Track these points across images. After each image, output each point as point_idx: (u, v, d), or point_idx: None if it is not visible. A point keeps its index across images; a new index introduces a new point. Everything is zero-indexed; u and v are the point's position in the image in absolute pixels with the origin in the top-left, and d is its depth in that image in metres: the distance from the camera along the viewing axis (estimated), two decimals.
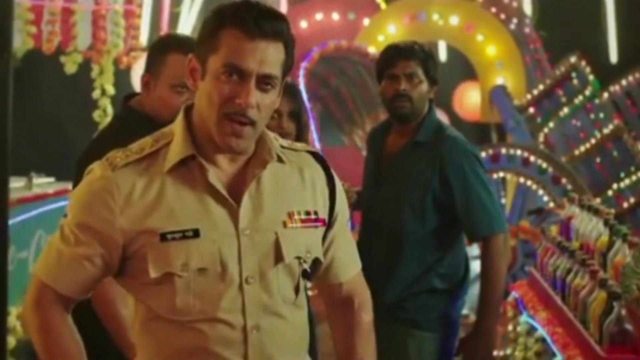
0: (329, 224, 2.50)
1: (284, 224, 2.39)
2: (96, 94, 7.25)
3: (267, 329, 2.36)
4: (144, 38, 9.50)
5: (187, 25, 12.97)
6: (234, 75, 2.29)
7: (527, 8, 12.89)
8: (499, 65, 11.19)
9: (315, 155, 2.52)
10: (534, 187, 8.48)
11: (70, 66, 6.94)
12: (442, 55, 13.12)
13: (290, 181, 2.44)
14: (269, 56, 2.30)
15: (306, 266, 2.43)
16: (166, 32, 12.07)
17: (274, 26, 2.31)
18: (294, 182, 2.45)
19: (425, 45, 4.32)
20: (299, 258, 2.41)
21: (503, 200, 8.94)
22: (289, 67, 2.38)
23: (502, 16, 11.65)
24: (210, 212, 2.33)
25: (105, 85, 7.21)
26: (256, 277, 2.35)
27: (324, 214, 2.48)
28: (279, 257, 2.37)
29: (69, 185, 6.19)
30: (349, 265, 2.60)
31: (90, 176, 2.40)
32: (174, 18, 12.86)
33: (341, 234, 2.56)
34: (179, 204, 2.32)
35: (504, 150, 8.47)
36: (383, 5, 12.13)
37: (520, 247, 8.15)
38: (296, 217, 2.41)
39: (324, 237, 2.51)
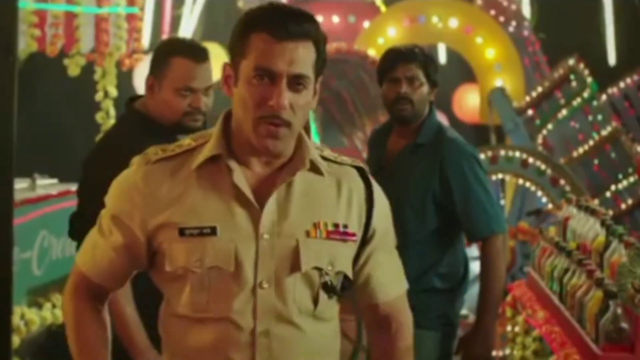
0: (363, 240, 2.46)
1: (307, 233, 2.36)
2: (99, 96, 7.28)
3: (279, 336, 2.34)
4: (146, 41, 9.53)
5: (189, 27, 13.02)
6: (265, 78, 2.28)
7: (526, 11, 12.92)
8: (497, 67, 11.21)
9: (360, 170, 2.49)
10: (533, 188, 8.51)
11: (73, 69, 6.97)
12: (442, 57, 13.14)
13: (324, 192, 2.41)
14: (298, 56, 2.29)
15: (328, 279, 2.38)
16: (169, 35, 12.13)
17: (301, 26, 2.30)
18: (328, 193, 2.42)
19: (426, 48, 4.36)
20: (319, 269, 2.37)
21: (502, 202, 8.98)
22: (321, 66, 2.37)
23: (501, 19, 11.68)
24: (232, 212, 2.33)
25: (108, 87, 7.23)
26: (271, 282, 2.33)
27: (356, 229, 2.43)
28: (296, 266, 2.34)
29: (72, 187, 6.23)
30: (388, 286, 2.53)
31: (128, 169, 2.45)
32: (176, 21, 12.91)
33: (380, 253, 2.50)
34: (202, 201, 2.33)
35: (502, 152, 8.50)
36: (383, 8, 12.16)
37: (519, 247, 8.18)
38: (322, 228, 2.38)
39: (359, 254, 2.46)
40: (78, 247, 3.73)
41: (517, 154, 8.49)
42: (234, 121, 2.38)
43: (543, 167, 8.42)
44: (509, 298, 5.64)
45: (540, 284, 4.94)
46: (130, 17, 7.29)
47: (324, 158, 2.45)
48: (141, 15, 7.59)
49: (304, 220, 2.36)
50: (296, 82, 2.30)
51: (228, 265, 2.31)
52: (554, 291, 4.61)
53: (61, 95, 10.50)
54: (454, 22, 11.25)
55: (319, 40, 2.34)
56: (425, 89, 4.21)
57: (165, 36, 12.34)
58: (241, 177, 2.34)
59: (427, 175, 4.12)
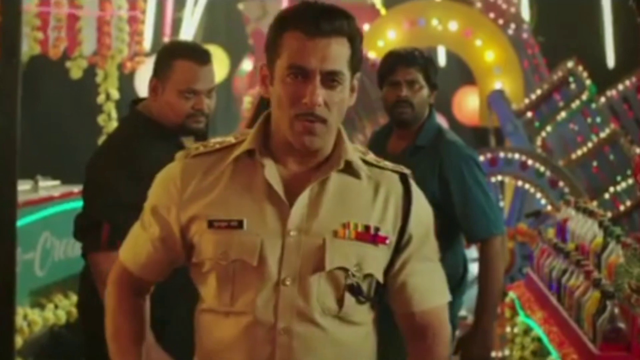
0: (398, 246, 2.42)
1: (335, 233, 2.33)
2: (101, 98, 7.29)
3: (300, 335, 2.32)
4: (147, 43, 9.55)
5: (189, 30, 13.05)
6: (298, 76, 2.29)
7: (525, 14, 12.92)
8: (497, 70, 11.22)
9: (402, 175, 2.46)
10: (532, 190, 8.53)
11: (76, 71, 6.99)
12: (441, 60, 13.15)
13: (359, 194, 2.39)
14: (330, 53, 2.29)
15: (354, 281, 2.35)
16: (170, 38, 12.17)
17: (333, 23, 2.29)
18: (363, 196, 2.39)
19: (425, 51, 4.39)
20: (345, 270, 2.34)
21: (501, 203, 8.99)
22: (357, 62, 2.36)
23: (501, 22, 11.68)
24: (261, 207, 2.33)
25: (109, 89, 7.25)
26: (295, 280, 2.31)
27: (390, 234, 2.39)
28: (320, 264, 2.32)
29: (75, 188, 6.26)
30: (424, 295, 2.45)
31: (171, 163, 2.49)
32: (176, 23, 12.94)
33: (417, 261, 2.44)
34: (232, 195, 2.35)
35: (502, 154, 8.51)
36: (383, 11, 12.17)
37: (518, 249, 8.19)
38: (351, 228, 2.35)
39: (394, 260, 2.42)
40: (82, 248, 3.78)
41: (517, 156, 8.51)
42: (272, 120, 2.38)
43: (542, 169, 8.44)
44: (508, 299, 5.67)
45: (538, 284, 4.97)
46: (132, 20, 7.32)
47: (366, 162, 2.43)
48: (143, 18, 7.61)
49: (333, 220, 2.34)
50: (330, 79, 2.30)
51: (251, 259, 2.31)
52: (552, 292, 4.65)
53: (63, 98, 10.53)
54: (453, 25, 11.26)
55: (353, 36, 2.33)
56: (425, 92, 4.25)
57: (166, 39, 12.40)
58: (273, 173, 2.35)
59: (426, 177, 4.15)
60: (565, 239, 4.88)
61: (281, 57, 2.31)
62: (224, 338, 2.36)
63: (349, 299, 2.36)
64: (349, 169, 2.39)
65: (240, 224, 2.32)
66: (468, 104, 12.50)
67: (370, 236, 2.36)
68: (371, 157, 2.47)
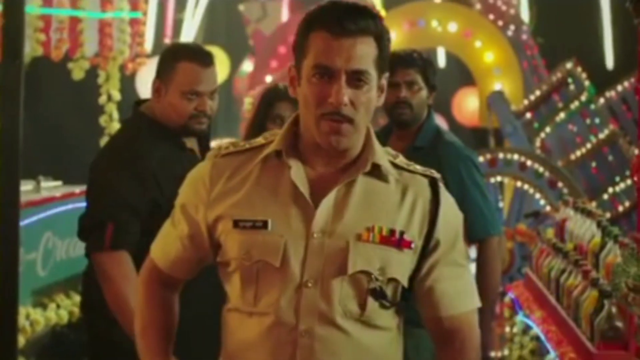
0: (424, 252, 2.38)
1: (359, 237, 2.32)
2: (102, 99, 7.31)
3: (322, 337, 2.31)
4: (148, 45, 9.57)
5: (190, 31, 13.07)
6: (324, 76, 2.28)
7: (525, 15, 12.94)
8: (496, 71, 11.23)
9: (431, 180, 2.44)
10: (531, 190, 8.55)
11: (78, 72, 7.01)
12: (441, 61, 13.17)
13: (386, 198, 2.37)
14: (356, 52, 2.27)
15: (377, 285, 2.32)
16: (171, 39, 12.19)
17: (358, 23, 2.28)
18: (390, 199, 2.37)
19: (425, 53, 4.43)
20: (367, 274, 2.32)
21: (501, 204, 9.00)
22: (384, 61, 2.34)
23: (500, 23, 11.70)
24: (286, 208, 2.32)
25: (111, 91, 7.27)
26: (317, 282, 2.30)
27: (416, 238, 2.37)
28: (343, 268, 2.30)
29: (76, 189, 6.28)
30: (453, 301, 2.41)
31: (202, 162, 2.50)
32: (177, 25, 12.96)
33: (445, 266, 2.40)
34: (258, 196, 2.34)
35: (501, 155, 8.53)
36: (383, 12, 12.19)
37: (518, 249, 8.22)
38: (376, 232, 2.33)
39: (421, 265, 2.39)
40: (86, 248, 3.80)
41: (516, 156, 8.53)
42: (300, 120, 2.38)
43: (541, 169, 8.46)
44: (507, 299, 5.69)
45: (537, 284, 5.00)
46: (134, 22, 7.34)
47: (396, 165, 2.42)
48: (144, 20, 7.63)
49: (358, 223, 2.32)
50: (356, 79, 2.29)
51: (274, 260, 2.30)
52: (550, 291, 4.67)
53: (65, 99, 10.55)
54: (453, 27, 11.27)
55: (380, 35, 2.32)
56: (424, 93, 4.29)
57: (167, 40, 12.43)
58: (299, 174, 2.34)
59: None
60: (564, 239, 4.90)
61: (307, 57, 2.31)
62: (247, 338, 2.35)
63: (371, 303, 2.33)
64: (377, 172, 2.38)
65: (264, 225, 2.32)
66: (468, 105, 12.53)
67: (395, 240, 2.34)
68: (401, 160, 2.45)
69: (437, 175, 2.46)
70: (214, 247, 2.42)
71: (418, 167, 2.46)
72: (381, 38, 2.32)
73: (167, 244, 2.50)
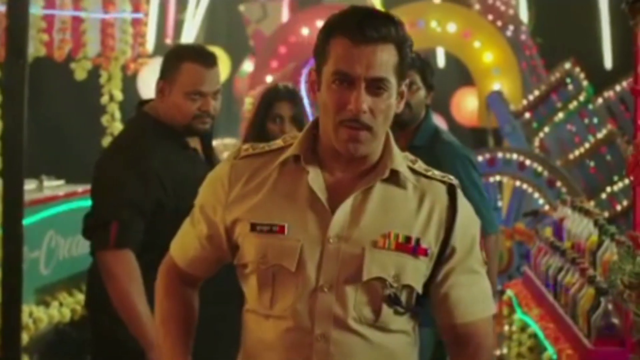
0: (440, 258, 2.38)
1: (374, 243, 2.32)
2: (105, 99, 7.33)
3: (338, 341, 2.32)
4: (150, 45, 9.60)
5: (191, 31, 13.11)
6: (344, 82, 2.28)
7: (524, 16, 12.98)
8: (495, 71, 11.25)
9: (449, 186, 2.44)
10: (530, 190, 8.58)
11: (80, 73, 7.03)
12: (441, 61, 13.19)
13: (403, 204, 2.37)
14: (376, 60, 2.27)
15: (392, 291, 2.33)
16: (172, 40, 12.22)
17: (379, 30, 2.27)
18: (407, 206, 2.37)
19: (423, 53, 4.48)
20: (382, 280, 2.32)
21: (499, 203, 9.04)
22: (404, 68, 2.34)
23: (499, 23, 11.73)
24: (303, 213, 2.33)
25: (113, 91, 7.29)
26: (332, 287, 2.31)
27: (432, 246, 2.37)
28: (358, 274, 2.31)
29: (79, 188, 6.31)
30: (468, 308, 2.42)
31: (221, 163, 2.51)
32: (179, 25, 12.99)
33: (460, 273, 2.40)
34: (276, 200, 2.35)
35: (500, 155, 8.57)
36: None
37: (516, 248, 8.25)
38: (392, 239, 2.33)
39: (436, 272, 2.39)
40: (91, 246, 3.83)
41: (515, 156, 8.56)
42: (320, 125, 2.38)
43: (540, 169, 8.49)
44: (505, 297, 5.73)
45: (535, 282, 5.03)
46: (135, 22, 7.36)
47: (414, 171, 2.42)
48: (145, 21, 7.65)
49: (374, 230, 2.33)
50: (375, 86, 2.28)
51: (290, 264, 2.31)
52: (548, 289, 4.70)
53: (68, 99, 10.57)
54: (452, 27, 11.29)
55: (401, 42, 2.31)
56: (422, 93, 4.34)
57: (169, 40, 12.46)
58: (317, 179, 2.35)
59: None
60: (562, 237, 4.94)
61: (328, 63, 2.31)
62: (264, 339, 2.37)
63: (386, 309, 2.34)
64: (395, 179, 2.38)
65: (281, 229, 2.33)
66: (467, 104, 12.55)
67: (410, 247, 2.34)
68: (420, 165, 2.45)
69: (455, 181, 2.46)
70: (232, 248, 2.43)
71: (436, 173, 2.46)
72: (402, 45, 2.31)
73: (186, 243, 2.52)
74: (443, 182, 2.44)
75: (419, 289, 2.37)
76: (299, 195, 2.35)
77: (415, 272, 2.36)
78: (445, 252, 2.38)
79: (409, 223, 2.36)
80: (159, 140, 3.81)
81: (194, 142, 3.92)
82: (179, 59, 3.81)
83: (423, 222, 2.37)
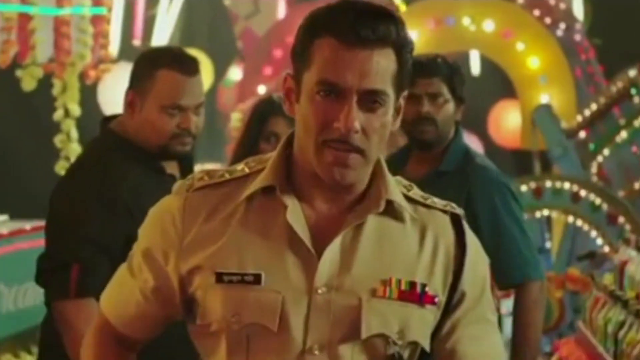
0: (448, 306, 2.39)
1: (373, 292, 2.30)
2: (58, 115, 7.36)
3: None
4: (114, 47, 9.57)
5: (165, 30, 13.13)
6: (331, 93, 2.26)
7: (578, 11, 12.97)
8: (543, 79, 11.24)
9: (454, 217, 2.44)
10: (585, 227, 8.61)
11: (28, 82, 7.07)
12: (475, 68, 13.17)
13: (402, 242, 2.36)
14: (372, 67, 2.25)
15: (396, 350, 2.32)
16: (142, 40, 12.26)
17: (377, 29, 2.25)
18: (407, 244, 2.37)
19: (452, 58, 4.52)
20: (385, 337, 2.31)
21: (548, 244, 9.09)
22: (403, 78, 2.33)
23: (548, 20, 11.74)
24: (283, 257, 2.30)
25: (69, 104, 7.32)
26: (323, 348, 2.28)
27: (440, 292, 2.36)
28: (355, 331, 2.29)
29: (27, 225, 6.34)
30: None
31: (167, 196, 2.46)
32: (149, 23, 13.04)
33: (470, 324, 2.41)
34: (247, 242, 2.32)
35: (548, 184, 8.60)
36: (402, 7, 12.21)
37: (569, 299, 8.28)
38: (393, 286, 2.32)
39: (442, 322, 2.39)
40: (46, 295, 3.89)
41: (567, 185, 8.59)
42: (295, 146, 2.36)
43: (598, 201, 8.52)
44: (554, 358, 5.77)
45: (591, 340, 5.07)
46: (96, 20, 7.41)
47: (410, 199, 2.41)
48: (109, 17, 7.71)
49: (372, 275, 2.31)
50: (370, 100, 2.26)
51: (271, 322, 2.28)
52: (607, 349, 4.75)
53: (12, 114, 10.61)
54: (489, 25, 11.29)
55: (401, 46, 2.29)
56: (450, 106, 4.38)
57: (137, 42, 12.51)
58: (297, 215, 2.32)
59: None
60: (624, 285, 4.96)
61: (310, 69, 2.28)
62: None
63: None
64: (390, 210, 2.36)
65: (256, 279, 2.29)
66: (507, 121, 12.57)
67: (416, 295, 2.33)
68: (416, 192, 2.44)
69: (458, 210, 2.46)
70: (186, 303, 2.39)
71: (436, 201, 2.45)
72: (402, 49, 2.30)
73: (123, 297, 2.47)
74: (445, 211, 2.44)
75: (426, 345, 2.37)
76: (275, 235, 2.32)
77: (422, 325, 2.36)
78: (453, 299, 2.39)
79: (412, 265, 2.35)
80: (129, 164, 3.85)
81: (171, 167, 3.96)
82: (153, 66, 3.86)
83: (427, 263, 2.37)
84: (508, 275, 4.28)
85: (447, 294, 2.38)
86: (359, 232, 2.34)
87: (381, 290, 2.31)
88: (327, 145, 2.27)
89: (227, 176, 2.40)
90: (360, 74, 2.25)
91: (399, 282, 2.33)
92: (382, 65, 2.27)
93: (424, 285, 2.34)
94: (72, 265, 3.72)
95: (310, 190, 2.35)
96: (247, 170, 2.40)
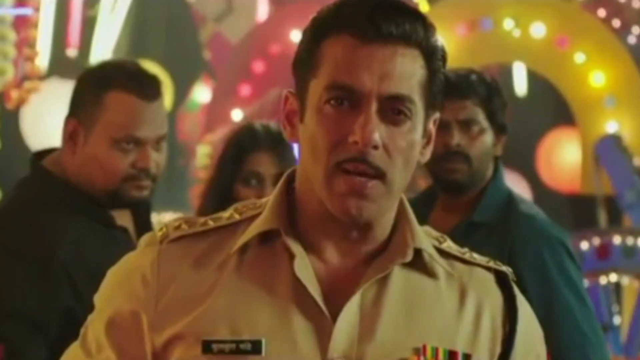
0: None
1: None
2: None
3: None
4: (43, 59, 9.62)
5: (109, 36, 13.20)
6: (344, 101, 2.32)
7: None
8: (609, 102, 11.27)
9: (500, 275, 2.52)
10: None
11: None
12: (520, 86, 13.25)
13: (436, 302, 2.43)
14: (395, 68, 2.32)
15: None
16: (79, 50, 12.33)
17: (399, 24, 2.32)
18: (443, 305, 2.43)
19: (490, 73, 4.59)
20: None
21: (616, 319, 9.16)
22: (436, 93, 2.40)
23: (616, 24, 11.83)
24: (288, 320, 2.36)
25: None
26: None
27: None
28: None
29: None
30: None
31: (131, 252, 2.52)
32: (89, 26, 13.11)
33: None
34: (241, 301, 2.38)
35: (617, 240, 8.67)
36: (425, 7, 12.27)
37: None
38: (429, 356, 2.38)
39: None
40: None
41: None
42: (298, 182, 2.44)
43: None
44: None
45: None
46: (20, 23, 7.51)
47: (443, 252, 2.49)
48: (36, 19, 7.79)
49: (402, 342, 2.37)
50: (394, 109, 2.33)
51: None
52: None
53: None
54: (539, 29, 11.33)
55: (431, 50, 2.37)
56: (487, 138, 4.46)
57: (73, 51, 12.58)
58: (306, 267, 2.38)
59: None
60: None
61: (318, 75, 2.36)
62: None
63: None
64: (419, 263, 2.43)
65: (256, 347, 2.34)
66: (562, 157, 12.63)
67: None
68: (450, 245, 2.51)
69: (504, 268, 2.54)
70: None
71: (477, 257, 2.53)
72: (432, 53, 2.37)
73: None
74: (489, 268, 2.53)
75: None
76: (277, 292, 2.39)
77: None
78: None
79: (450, 330, 2.42)
80: (68, 215, 3.91)
81: (123, 218, 4.04)
82: (101, 87, 3.92)
83: (470, 329, 2.44)
84: (564, 356, 4.33)
85: None
86: (383, 288, 2.40)
87: None
88: (341, 168, 2.32)
89: (212, 224, 2.47)
90: (380, 75, 2.32)
91: (435, 350, 2.39)
92: (406, 66, 2.34)
93: (467, 356, 2.42)
94: None
95: (318, 238, 2.42)
96: (237, 216, 2.48)
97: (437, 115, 2.44)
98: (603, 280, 8.67)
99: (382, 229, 2.42)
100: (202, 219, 2.49)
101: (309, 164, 2.37)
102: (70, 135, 3.96)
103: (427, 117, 2.40)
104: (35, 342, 3.77)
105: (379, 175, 2.32)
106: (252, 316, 2.37)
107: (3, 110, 7.61)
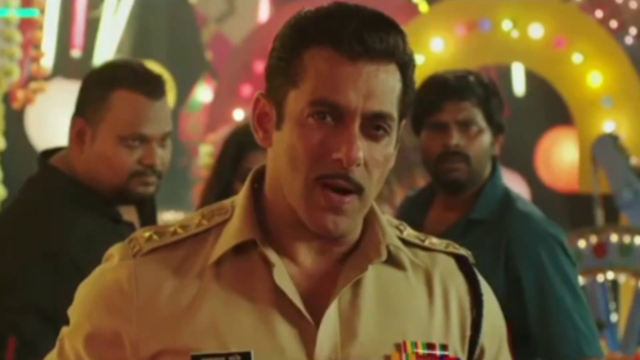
0: None
1: None
2: None
3: None
4: (48, 60, 9.59)
5: (113, 37, 13.21)
6: (327, 117, 2.34)
7: None
8: (606, 102, 11.25)
9: (460, 259, 2.57)
10: None
11: None
12: (518, 87, 13.23)
13: (408, 296, 2.46)
14: (379, 85, 2.34)
15: None
16: (84, 51, 12.33)
17: (384, 40, 2.35)
18: (415, 297, 2.47)
19: (488, 74, 4.62)
20: None
21: (613, 317, 9.18)
22: (409, 102, 2.42)
23: (614, 25, 11.84)
24: (273, 329, 2.38)
25: None
26: None
27: (459, 351, 2.49)
28: None
29: None
30: None
31: (104, 264, 2.50)
32: (92, 27, 13.11)
33: None
34: (226, 314, 2.39)
35: (614, 238, 8.66)
36: (423, 7, 12.30)
37: None
38: (409, 351, 2.41)
39: None
40: None
41: (638, 240, 8.69)
42: (268, 186, 2.46)
43: None
44: None
45: None
46: (25, 25, 7.50)
47: (406, 242, 2.52)
48: (41, 21, 7.80)
49: (382, 340, 2.41)
50: (374, 126, 2.37)
51: None
52: None
53: None
54: (536, 30, 11.31)
55: (406, 62, 2.40)
56: (485, 138, 4.51)
57: (77, 52, 12.60)
58: (286, 276, 2.40)
59: (485, 267, 4.31)
60: None
61: (299, 87, 2.37)
62: None
63: None
64: (389, 257, 2.47)
65: (245, 359, 2.36)
66: (560, 156, 12.63)
67: (436, 359, 2.44)
68: (410, 232, 2.55)
69: (463, 251, 2.60)
70: None
71: (436, 242, 2.58)
72: (407, 67, 2.41)
73: None
74: (448, 253, 2.57)
75: None
76: (260, 303, 2.41)
77: None
78: (472, 358, 2.53)
79: (424, 322, 2.47)
80: (77, 211, 3.96)
81: (130, 214, 4.10)
82: (107, 86, 3.97)
83: (441, 318, 2.49)
84: (557, 352, 4.38)
85: (468, 352, 2.53)
86: (358, 288, 2.44)
87: (396, 357, 2.41)
88: (322, 183, 2.35)
89: (182, 232, 2.48)
90: (365, 93, 2.34)
91: (414, 345, 2.43)
92: (388, 84, 2.38)
93: (443, 346, 2.46)
94: (8, 337, 3.81)
95: (291, 242, 2.45)
96: (205, 222, 2.49)
97: (404, 122, 2.47)
98: (600, 278, 8.66)
99: (354, 232, 2.46)
100: (171, 228, 2.48)
101: (286, 173, 2.39)
102: (77, 134, 4.01)
103: (399, 127, 2.44)
104: (47, 334, 3.72)
105: (358, 189, 2.36)
106: (238, 328, 2.39)
107: (9, 110, 7.58)
